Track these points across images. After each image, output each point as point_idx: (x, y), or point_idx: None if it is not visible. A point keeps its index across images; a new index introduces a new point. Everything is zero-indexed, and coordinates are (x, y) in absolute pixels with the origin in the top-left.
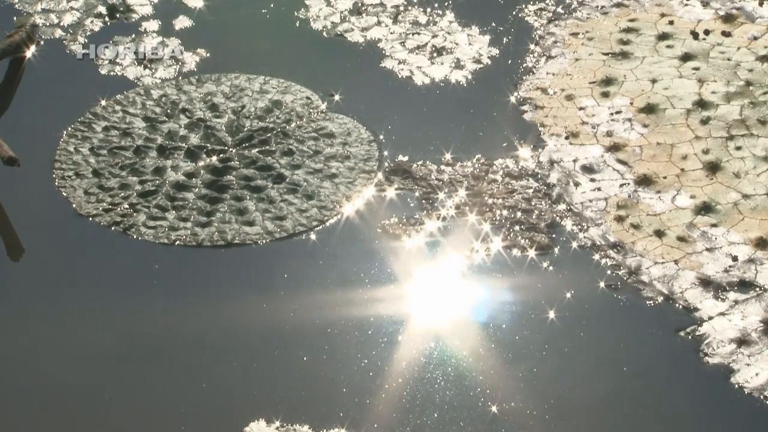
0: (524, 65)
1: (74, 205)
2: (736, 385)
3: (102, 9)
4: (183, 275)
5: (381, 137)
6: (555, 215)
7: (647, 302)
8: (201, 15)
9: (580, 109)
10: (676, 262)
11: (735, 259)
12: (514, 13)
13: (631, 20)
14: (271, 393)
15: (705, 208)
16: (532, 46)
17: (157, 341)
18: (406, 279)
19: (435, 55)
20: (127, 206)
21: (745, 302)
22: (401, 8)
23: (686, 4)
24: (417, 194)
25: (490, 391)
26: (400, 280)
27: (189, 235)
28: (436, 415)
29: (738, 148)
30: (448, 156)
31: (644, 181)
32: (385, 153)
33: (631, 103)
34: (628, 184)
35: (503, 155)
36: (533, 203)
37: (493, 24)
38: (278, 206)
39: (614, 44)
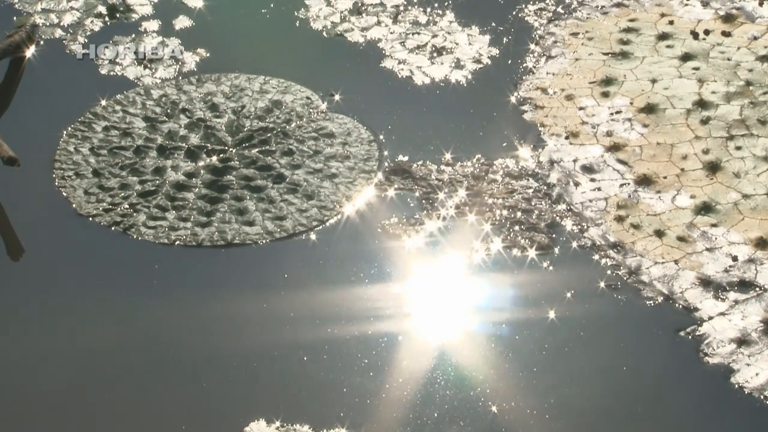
0: (524, 65)
1: (74, 205)
2: (736, 385)
3: (102, 9)
4: (183, 275)
5: (381, 137)
6: (555, 215)
7: (647, 302)
8: (201, 15)
9: (580, 109)
10: (676, 262)
11: (735, 259)
12: (514, 13)
13: (631, 20)
14: (271, 393)
15: (705, 208)
16: (532, 46)
17: (157, 341)
18: (406, 279)
19: (435, 55)
20: (127, 206)
21: (745, 302)
22: (401, 8)
23: (686, 4)
24: (417, 194)
25: (490, 390)
26: (400, 280)
27: (189, 235)
28: (436, 414)
29: (738, 148)
30: (448, 156)
31: (644, 181)
32: (385, 153)
33: (631, 103)
34: (628, 184)
35: (503, 155)
36: (533, 203)
37: (493, 24)
38: (278, 206)
39: (614, 44)
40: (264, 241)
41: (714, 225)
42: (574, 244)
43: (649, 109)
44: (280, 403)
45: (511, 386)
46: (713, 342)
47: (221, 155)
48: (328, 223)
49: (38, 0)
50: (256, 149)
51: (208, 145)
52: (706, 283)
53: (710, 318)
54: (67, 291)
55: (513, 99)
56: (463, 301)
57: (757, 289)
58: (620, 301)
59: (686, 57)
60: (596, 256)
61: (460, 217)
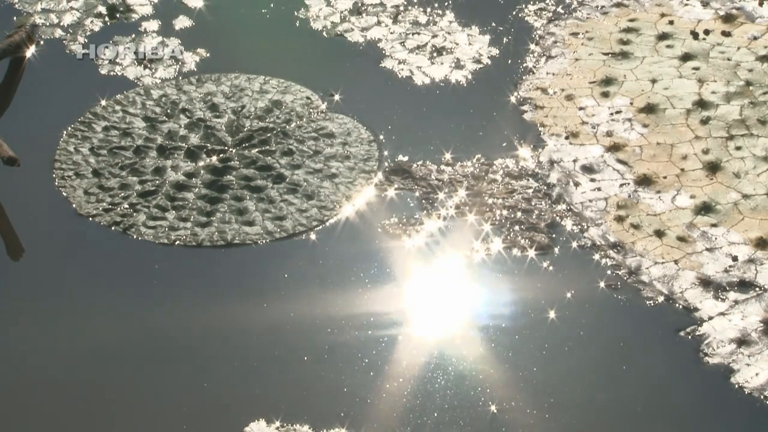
0: (524, 65)
1: (74, 205)
2: (736, 385)
3: (102, 9)
4: (183, 275)
5: (381, 137)
6: (555, 215)
7: (647, 302)
8: (201, 15)
9: (580, 109)
10: (676, 262)
11: (735, 259)
12: (514, 13)
13: (631, 20)
14: (271, 393)
15: (705, 208)
16: (532, 46)
17: (157, 341)
18: (406, 279)
19: (435, 55)
20: (127, 206)
21: (745, 302)
22: (401, 8)
23: (686, 4)
24: (417, 194)
25: (490, 390)
26: (400, 280)
27: (189, 235)
28: (436, 414)
29: (738, 148)
30: (448, 156)
31: (644, 181)
32: (385, 153)
33: (631, 103)
34: (628, 184)
35: (503, 155)
36: (533, 203)
37: (493, 24)
38: (278, 206)
39: (614, 44)
40: (264, 241)
41: (714, 225)
42: (574, 244)
43: (649, 109)
44: (280, 403)
45: (511, 386)
46: (713, 342)
47: (221, 155)
48: (328, 223)
49: (38, 0)
50: (256, 149)
51: (208, 145)
52: (706, 283)
53: (710, 318)
54: (67, 291)
55: (513, 99)
56: (463, 301)
57: (757, 289)
58: (620, 301)
59: (686, 57)
60: (596, 256)
61: (460, 217)
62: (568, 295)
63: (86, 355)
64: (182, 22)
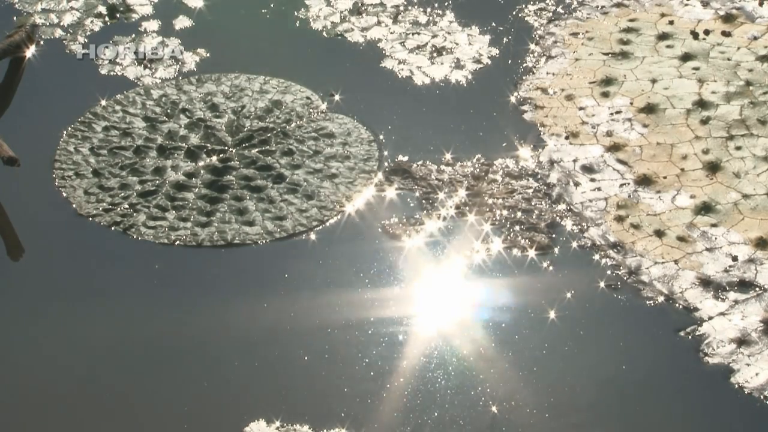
0: (524, 65)
1: (74, 205)
2: (736, 385)
3: (102, 9)
4: (183, 275)
5: (381, 137)
6: (555, 215)
7: (647, 302)
8: (201, 15)
9: (580, 109)
10: (676, 262)
11: (735, 259)
12: (514, 13)
13: (631, 20)
14: (271, 393)
15: (705, 208)
16: (532, 46)
17: (157, 341)
18: (406, 279)
19: (435, 55)
20: (127, 206)
21: (745, 302)
22: (401, 8)
23: (686, 4)
24: (417, 194)
25: (490, 390)
26: (400, 280)
27: (189, 235)
28: (436, 414)
29: (738, 148)
30: (448, 156)
31: (644, 181)
32: (385, 153)
33: (631, 103)
34: (628, 184)
35: (503, 155)
36: (533, 203)
37: (493, 24)
38: (278, 206)
39: (614, 44)
40: (264, 241)
41: (714, 225)
42: (574, 244)
43: (649, 109)
44: (280, 403)
45: (511, 386)
46: (713, 342)
47: (221, 155)
48: (328, 223)
49: (38, 0)
50: (256, 149)
51: (208, 145)
52: (706, 283)
53: (710, 318)
54: (67, 291)
55: (513, 99)
56: (463, 301)
57: (757, 289)
58: (620, 301)
59: (686, 57)
60: (596, 256)
61: (460, 217)
62: (568, 295)
63: (86, 354)
64: (182, 22)
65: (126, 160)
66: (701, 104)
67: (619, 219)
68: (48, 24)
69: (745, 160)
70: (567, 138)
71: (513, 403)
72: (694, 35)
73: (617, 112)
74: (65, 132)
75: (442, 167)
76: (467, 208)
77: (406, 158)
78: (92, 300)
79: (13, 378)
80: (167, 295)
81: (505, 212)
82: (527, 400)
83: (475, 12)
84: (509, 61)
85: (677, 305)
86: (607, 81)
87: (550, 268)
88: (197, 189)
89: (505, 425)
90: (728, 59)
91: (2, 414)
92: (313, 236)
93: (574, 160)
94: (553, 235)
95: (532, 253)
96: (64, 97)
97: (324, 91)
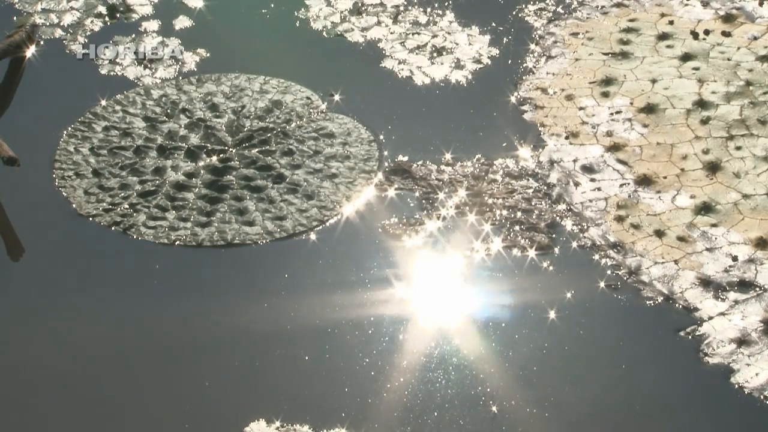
0: (524, 65)
1: (74, 205)
2: (736, 385)
3: (102, 9)
4: (183, 275)
5: (381, 137)
6: (555, 215)
7: (647, 302)
8: (201, 15)
9: (580, 109)
10: (676, 262)
11: (735, 259)
12: (514, 13)
13: (631, 20)
14: (272, 393)
15: (705, 208)
16: (532, 46)
17: (158, 341)
18: (407, 279)
19: (435, 55)
20: (127, 206)
21: (745, 302)
22: (401, 8)
23: (686, 4)
24: (417, 194)
25: (490, 390)
26: (400, 280)
27: (189, 235)
28: (436, 414)
29: (738, 148)
30: (448, 156)
31: (644, 181)
32: (385, 153)
33: (631, 103)
34: (628, 184)
35: (503, 155)
36: (533, 203)
37: (493, 24)
38: (278, 206)
39: (614, 44)
40: (264, 241)
41: (714, 225)
42: (574, 244)
43: (649, 109)
44: (280, 403)
45: (511, 386)
46: (713, 342)
47: (221, 155)
48: (328, 223)
49: (38, 0)
50: (256, 149)
51: (208, 145)
52: (706, 283)
53: (710, 318)
54: (67, 291)
55: (513, 99)
56: (463, 301)
57: (757, 289)
58: (620, 301)
59: (686, 57)
60: (596, 256)
61: (460, 217)
62: (568, 295)
63: (86, 354)
64: (182, 22)
65: (126, 160)
66: (701, 104)
67: (619, 219)
68: (48, 24)
69: (745, 160)
70: (567, 138)
71: (513, 403)
72: (694, 35)
73: (617, 112)
74: (65, 132)
75: (442, 167)
76: (467, 208)
77: (406, 158)
78: (92, 300)
79: (13, 378)
80: (167, 295)
81: (505, 212)
82: (527, 400)
83: (475, 12)
84: (509, 61)
85: (677, 305)
86: (607, 81)
87: (550, 268)
88: (197, 189)
89: (505, 425)
90: (728, 59)
91: (2, 414)
92: (313, 236)
93: (574, 160)
94: (553, 235)
95: (532, 253)
96: (64, 97)
97: (324, 91)
